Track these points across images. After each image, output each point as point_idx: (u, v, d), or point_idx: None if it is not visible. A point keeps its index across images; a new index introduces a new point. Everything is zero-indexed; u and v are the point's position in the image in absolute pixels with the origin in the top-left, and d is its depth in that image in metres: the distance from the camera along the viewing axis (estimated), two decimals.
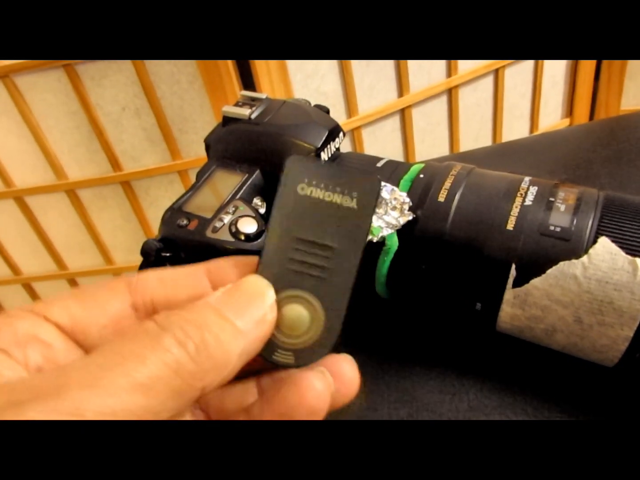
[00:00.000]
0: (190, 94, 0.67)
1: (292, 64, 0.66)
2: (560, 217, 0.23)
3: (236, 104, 0.29)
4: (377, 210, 0.25)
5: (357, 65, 0.70)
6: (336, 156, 0.29)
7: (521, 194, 0.24)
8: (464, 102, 0.81)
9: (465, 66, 0.77)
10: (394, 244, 0.25)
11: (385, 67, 0.73)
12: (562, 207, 0.23)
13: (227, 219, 0.25)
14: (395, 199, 0.25)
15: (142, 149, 0.72)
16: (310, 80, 0.69)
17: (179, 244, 0.25)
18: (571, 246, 0.22)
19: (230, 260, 0.18)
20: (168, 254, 0.25)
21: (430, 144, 0.83)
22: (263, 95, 0.29)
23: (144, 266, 0.25)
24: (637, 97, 0.86)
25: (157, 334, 0.14)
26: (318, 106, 0.31)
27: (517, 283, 0.23)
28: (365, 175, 0.18)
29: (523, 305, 0.23)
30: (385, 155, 0.30)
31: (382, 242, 0.25)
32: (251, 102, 0.29)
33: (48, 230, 0.82)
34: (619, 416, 0.24)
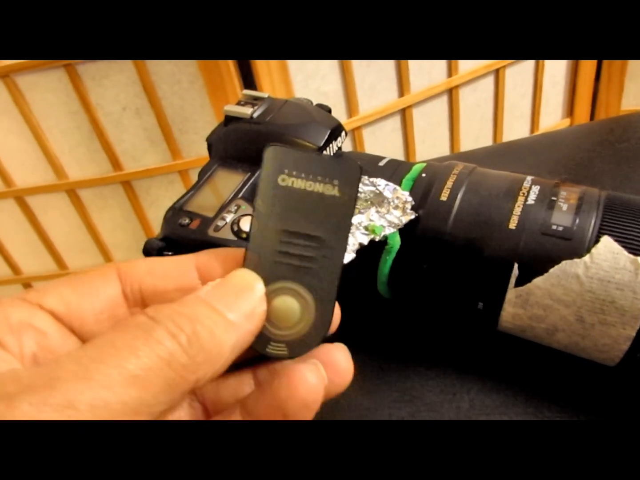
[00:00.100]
0: (191, 94, 0.67)
1: (293, 64, 0.66)
2: (562, 217, 0.23)
3: (238, 103, 0.29)
4: (379, 209, 0.25)
5: (358, 66, 0.71)
6: (338, 156, 0.29)
7: (523, 194, 0.24)
8: (464, 102, 0.81)
9: (466, 66, 0.78)
10: (396, 243, 0.25)
11: (385, 67, 0.73)
12: (564, 207, 0.23)
13: (229, 218, 0.25)
14: (397, 198, 0.25)
15: (143, 148, 0.72)
16: (311, 80, 0.69)
17: (181, 243, 0.25)
18: (573, 245, 0.22)
19: (218, 252, 0.18)
20: (170, 253, 0.25)
21: (431, 144, 0.83)
22: (265, 95, 0.29)
23: None
24: (638, 98, 0.87)
25: (150, 326, 0.14)
26: (320, 105, 0.31)
27: (519, 282, 0.23)
28: (345, 162, 0.17)
29: (525, 305, 0.23)
30: (386, 155, 0.30)
31: (384, 241, 0.25)
32: (253, 101, 0.29)
33: (48, 230, 0.82)
34: (621, 416, 0.24)
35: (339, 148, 0.30)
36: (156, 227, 0.80)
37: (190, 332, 0.14)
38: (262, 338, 0.17)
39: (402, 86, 0.75)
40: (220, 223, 0.25)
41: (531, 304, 0.23)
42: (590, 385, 0.25)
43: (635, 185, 0.37)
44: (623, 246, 0.21)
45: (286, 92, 0.66)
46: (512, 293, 0.23)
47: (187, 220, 0.25)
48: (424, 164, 0.27)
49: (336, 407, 0.26)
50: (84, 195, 0.77)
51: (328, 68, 0.69)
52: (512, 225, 0.23)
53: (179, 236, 0.25)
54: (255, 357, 0.18)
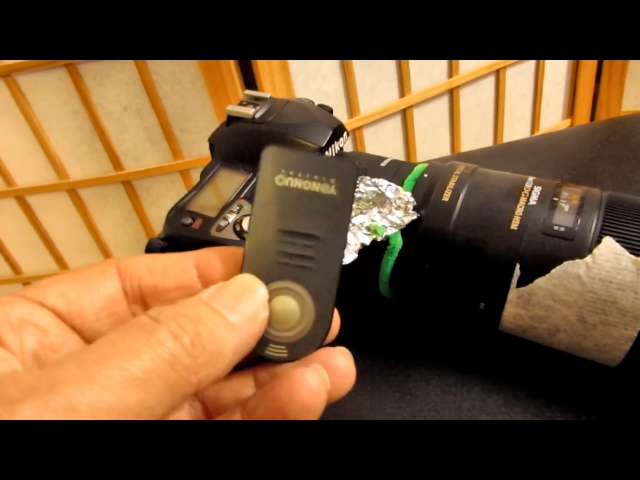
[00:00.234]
0: (192, 94, 0.67)
1: (293, 64, 0.66)
2: (564, 217, 0.23)
3: (240, 104, 0.29)
4: (381, 209, 0.25)
5: (359, 66, 0.71)
6: (340, 156, 0.29)
7: (525, 194, 0.24)
8: (465, 102, 0.81)
9: (467, 67, 0.78)
10: (397, 243, 0.25)
11: (386, 68, 0.73)
12: (566, 207, 0.23)
13: (231, 218, 0.25)
14: (399, 198, 0.25)
15: (144, 148, 0.72)
16: (312, 81, 0.69)
17: (183, 242, 0.25)
18: (575, 246, 0.22)
19: (218, 250, 0.18)
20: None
21: (432, 145, 0.83)
22: (267, 95, 0.30)
23: None
24: (638, 99, 0.87)
25: (152, 327, 0.14)
26: (321, 106, 0.31)
27: (521, 283, 0.23)
28: (341, 161, 0.17)
29: (526, 305, 0.23)
30: (387, 155, 0.30)
31: (386, 241, 0.25)
32: (255, 101, 0.29)
33: (49, 229, 0.82)
34: (622, 416, 0.24)
35: (341, 148, 0.30)
36: (157, 227, 0.80)
37: (193, 333, 0.14)
38: (261, 340, 0.16)
39: (403, 86, 0.75)
40: (222, 223, 0.25)
41: (533, 305, 0.23)
42: (591, 385, 0.25)
43: (636, 186, 0.37)
44: (625, 247, 0.21)
45: (287, 92, 0.67)
46: (513, 293, 0.23)
47: (189, 220, 0.25)
48: (426, 165, 0.27)
49: (337, 406, 0.26)
50: (85, 194, 0.77)
51: (329, 68, 0.69)
52: (514, 225, 0.23)
53: (182, 236, 0.25)
54: (256, 358, 0.18)
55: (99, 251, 0.84)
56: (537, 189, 0.24)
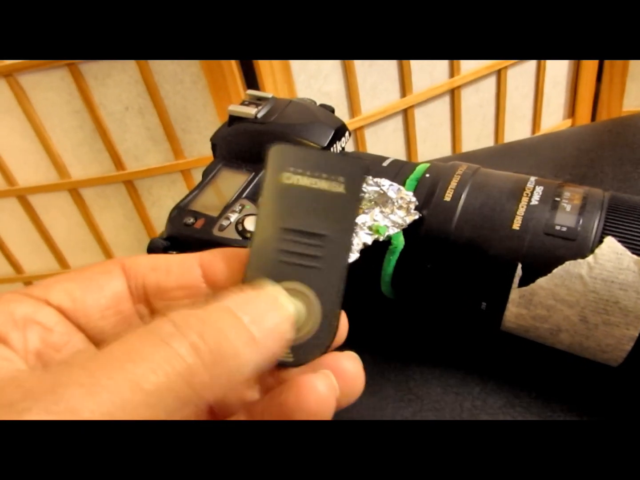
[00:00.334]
0: (194, 94, 0.67)
1: (295, 64, 0.66)
2: (566, 217, 0.23)
3: (242, 103, 0.30)
4: (383, 209, 0.25)
5: (360, 66, 0.71)
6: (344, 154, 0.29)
7: (527, 194, 0.24)
8: (466, 102, 0.81)
9: (468, 67, 0.78)
10: (399, 243, 0.25)
11: (388, 68, 0.73)
12: (568, 207, 0.23)
13: (233, 217, 0.25)
14: (401, 198, 0.25)
15: (145, 148, 0.72)
16: (314, 81, 0.69)
17: (185, 242, 0.25)
18: (577, 246, 0.22)
19: (223, 251, 0.18)
20: (175, 252, 0.25)
21: (433, 145, 0.83)
22: (269, 95, 0.30)
23: None
24: (639, 99, 0.87)
25: (172, 336, 0.13)
26: (323, 105, 0.31)
27: (523, 283, 0.23)
28: (350, 159, 0.17)
29: (528, 305, 0.23)
30: (388, 155, 0.30)
31: (388, 241, 0.25)
32: (257, 101, 0.29)
33: (50, 228, 0.82)
34: (624, 416, 0.24)
35: (343, 148, 0.30)
36: (158, 227, 0.80)
37: (215, 348, 0.13)
38: None
39: (404, 86, 0.75)
40: (224, 222, 0.25)
41: (534, 304, 0.23)
42: (592, 385, 0.25)
43: (637, 186, 0.37)
44: (627, 247, 0.21)
45: (289, 92, 0.67)
46: (515, 293, 0.23)
47: (191, 220, 0.25)
48: (428, 165, 0.28)
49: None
50: (86, 194, 0.77)
51: (330, 68, 0.69)
52: (516, 225, 0.23)
53: (184, 235, 0.25)
54: None
55: (100, 251, 0.84)
56: (539, 189, 0.24)
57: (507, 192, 0.25)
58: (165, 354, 0.13)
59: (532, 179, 0.25)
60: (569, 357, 0.25)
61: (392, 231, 0.24)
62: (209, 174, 0.28)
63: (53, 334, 0.16)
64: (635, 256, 0.21)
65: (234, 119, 0.29)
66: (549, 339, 0.24)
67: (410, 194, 0.25)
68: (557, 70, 0.85)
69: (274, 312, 0.15)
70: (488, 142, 0.87)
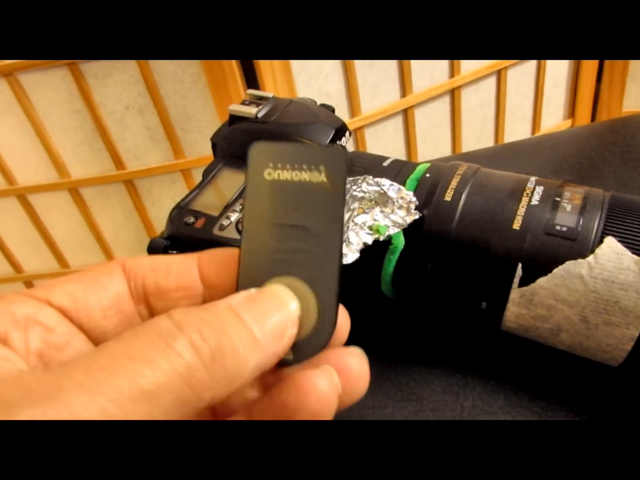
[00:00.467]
0: (194, 94, 0.67)
1: (295, 64, 0.66)
2: (566, 217, 0.23)
3: (242, 103, 0.30)
4: (383, 209, 0.25)
5: (360, 66, 0.71)
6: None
7: (527, 194, 0.24)
8: (466, 102, 0.81)
9: (468, 67, 0.78)
10: (400, 243, 0.25)
11: (388, 68, 0.73)
12: (568, 207, 0.23)
13: (233, 217, 0.25)
14: (401, 198, 0.25)
15: (145, 147, 0.72)
16: (314, 80, 0.69)
17: (185, 241, 0.25)
18: (577, 246, 0.22)
19: (220, 252, 0.18)
20: (175, 252, 0.25)
21: (433, 145, 0.83)
22: (269, 94, 0.30)
23: None
24: (639, 99, 0.87)
25: (171, 334, 0.13)
26: (324, 105, 0.31)
27: (523, 282, 0.23)
28: (329, 148, 0.17)
29: (529, 305, 0.23)
30: (388, 155, 0.30)
31: (388, 241, 0.25)
32: (258, 101, 0.29)
33: (50, 228, 0.82)
34: (624, 416, 0.24)
35: (343, 148, 0.30)
36: (158, 226, 0.80)
37: (215, 346, 0.13)
38: None
39: (404, 87, 0.75)
40: (225, 222, 0.25)
41: (535, 304, 0.23)
42: (593, 385, 0.25)
43: (637, 187, 0.37)
44: (627, 247, 0.22)
45: (289, 92, 0.67)
46: (515, 293, 0.23)
47: (192, 219, 0.25)
48: (428, 164, 0.28)
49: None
50: (86, 193, 0.77)
51: (330, 68, 0.69)
52: (516, 225, 0.23)
53: (184, 235, 0.25)
54: None
55: (100, 250, 0.84)
56: (539, 189, 0.24)
57: (507, 192, 0.25)
58: (164, 352, 0.12)
59: (533, 179, 0.25)
60: (569, 357, 0.25)
61: (392, 231, 0.25)
62: (209, 174, 0.28)
63: (54, 334, 0.16)
64: (635, 256, 0.21)
65: (234, 119, 0.29)
66: (549, 338, 0.24)
67: (411, 193, 0.25)
68: (557, 70, 0.85)
69: (277, 311, 0.15)
70: (488, 142, 0.87)
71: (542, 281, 0.23)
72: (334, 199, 0.16)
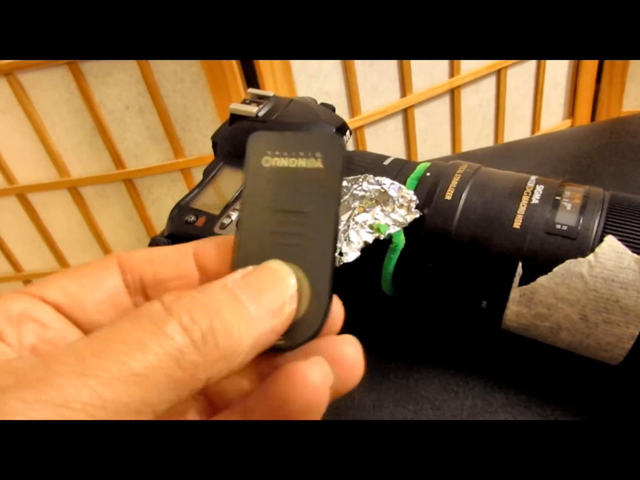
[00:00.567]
0: (194, 93, 0.67)
1: (295, 64, 0.66)
2: (566, 216, 0.23)
3: (243, 102, 0.30)
4: (384, 207, 0.25)
5: (360, 66, 0.71)
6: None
7: (527, 193, 0.24)
8: (466, 102, 0.81)
9: (468, 67, 0.78)
10: (400, 241, 0.25)
11: (388, 68, 0.73)
12: (569, 206, 0.23)
13: (234, 215, 0.25)
14: (402, 196, 0.25)
15: (145, 147, 0.72)
16: (314, 80, 0.69)
17: (186, 240, 0.25)
18: (577, 245, 0.22)
19: (216, 240, 0.18)
20: None
21: (432, 144, 0.83)
22: (270, 93, 0.30)
23: None
24: (639, 99, 0.87)
25: (161, 318, 0.13)
26: (324, 104, 0.31)
27: (524, 281, 0.23)
28: (325, 135, 0.17)
29: (529, 304, 0.23)
30: (388, 155, 0.30)
31: (388, 239, 0.25)
32: (258, 100, 0.29)
33: (50, 227, 0.82)
34: (624, 415, 0.25)
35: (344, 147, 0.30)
36: (158, 226, 0.80)
37: (206, 327, 0.13)
38: None
39: (404, 86, 0.75)
40: (226, 221, 0.25)
41: (535, 303, 0.23)
42: (593, 384, 0.26)
43: (637, 186, 0.37)
44: (627, 245, 0.22)
45: (289, 91, 0.67)
46: (516, 292, 0.23)
47: (192, 218, 0.25)
48: (429, 164, 0.28)
49: (337, 404, 0.27)
50: (86, 193, 0.77)
51: (331, 68, 0.69)
52: (517, 224, 0.23)
53: (185, 234, 0.25)
54: None
55: (100, 249, 0.84)
56: (540, 188, 0.24)
57: (507, 191, 0.25)
58: (154, 335, 0.13)
59: (533, 178, 0.25)
60: (569, 356, 0.25)
61: (393, 230, 0.25)
62: (210, 173, 0.28)
63: (49, 330, 0.16)
64: (635, 255, 0.21)
65: (235, 118, 0.29)
66: (549, 337, 0.24)
67: (411, 192, 0.25)
68: (557, 70, 0.85)
69: (274, 286, 0.15)
70: (488, 142, 0.87)
71: (542, 280, 0.23)
72: (330, 184, 0.16)
